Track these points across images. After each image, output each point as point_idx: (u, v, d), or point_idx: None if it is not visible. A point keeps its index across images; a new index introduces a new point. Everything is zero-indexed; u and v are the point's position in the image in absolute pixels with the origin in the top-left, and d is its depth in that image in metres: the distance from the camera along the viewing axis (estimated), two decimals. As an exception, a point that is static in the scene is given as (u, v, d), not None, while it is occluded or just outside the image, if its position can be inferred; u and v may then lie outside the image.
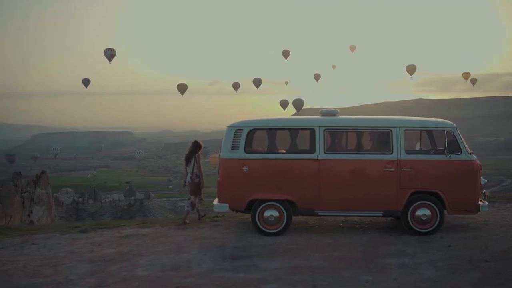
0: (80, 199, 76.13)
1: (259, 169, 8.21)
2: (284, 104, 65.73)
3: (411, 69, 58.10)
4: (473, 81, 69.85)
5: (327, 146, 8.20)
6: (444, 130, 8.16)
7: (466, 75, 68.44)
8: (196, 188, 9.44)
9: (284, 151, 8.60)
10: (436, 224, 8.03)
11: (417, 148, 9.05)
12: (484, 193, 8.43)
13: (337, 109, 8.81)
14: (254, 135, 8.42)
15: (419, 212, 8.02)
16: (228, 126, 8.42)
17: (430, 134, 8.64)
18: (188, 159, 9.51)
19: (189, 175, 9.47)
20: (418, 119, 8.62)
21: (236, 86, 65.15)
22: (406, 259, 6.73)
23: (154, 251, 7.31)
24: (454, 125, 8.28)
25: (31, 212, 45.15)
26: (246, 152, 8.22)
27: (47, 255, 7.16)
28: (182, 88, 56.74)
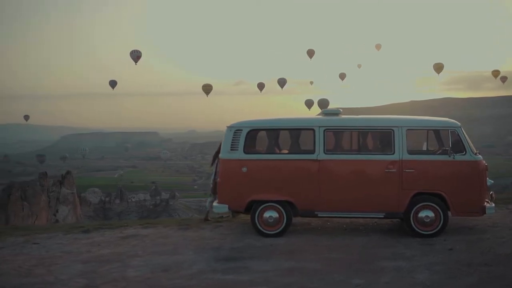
0: (107, 199, 77.39)
1: (258, 170, 8.14)
2: (309, 104, 65.52)
3: (438, 67, 57.12)
4: (503, 79, 68.34)
5: (327, 146, 8.07)
6: (448, 130, 7.93)
7: (495, 73, 67.00)
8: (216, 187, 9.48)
9: (284, 152, 8.51)
10: (439, 226, 7.81)
11: (424, 148, 8.85)
12: (491, 194, 8.17)
13: (340, 109, 8.67)
14: (254, 136, 8.35)
15: (422, 214, 7.81)
16: (227, 127, 8.38)
17: (437, 134, 8.42)
18: (214, 158, 9.60)
19: (213, 174, 9.55)
20: (421, 119, 8.41)
21: (261, 86, 65.18)
22: (403, 262, 6.56)
23: (150, 252, 7.31)
24: (459, 124, 8.04)
25: (57, 211, 46.18)
26: (245, 152, 8.15)
27: (45, 255, 7.23)
28: (207, 89, 57.08)
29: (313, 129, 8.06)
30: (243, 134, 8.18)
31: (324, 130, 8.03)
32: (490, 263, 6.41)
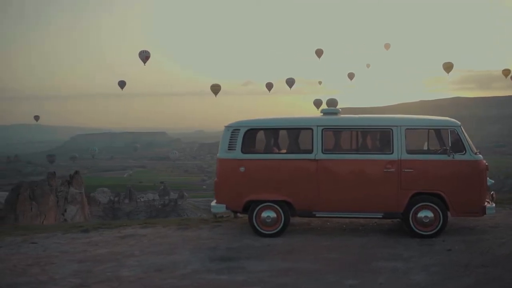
0: (116, 199, 77.65)
1: (256, 170, 8.09)
2: (317, 103, 65.35)
3: (448, 67, 56.63)
4: (514, 79, 67.64)
5: (326, 146, 8.00)
6: (447, 129, 7.84)
7: (506, 72, 66.25)
8: None
9: (282, 151, 8.46)
10: (438, 227, 7.72)
11: (425, 147, 8.76)
12: (492, 194, 8.07)
13: (340, 109, 8.62)
14: (251, 135, 8.31)
15: (421, 214, 7.73)
16: (225, 126, 8.35)
17: (437, 133, 8.32)
18: None
19: None
20: (420, 118, 8.32)
21: (269, 86, 65.07)
22: (399, 263, 6.49)
23: (146, 252, 7.29)
24: (459, 123, 7.94)
25: (65, 211, 46.43)
26: (243, 152, 8.11)
27: (41, 254, 7.23)
28: (215, 89, 57.08)
29: (311, 129, 8.00)
30: (241, 134, 8.14)
31: (322, 130, 7.97)
32: (488, 264, 6.33)
